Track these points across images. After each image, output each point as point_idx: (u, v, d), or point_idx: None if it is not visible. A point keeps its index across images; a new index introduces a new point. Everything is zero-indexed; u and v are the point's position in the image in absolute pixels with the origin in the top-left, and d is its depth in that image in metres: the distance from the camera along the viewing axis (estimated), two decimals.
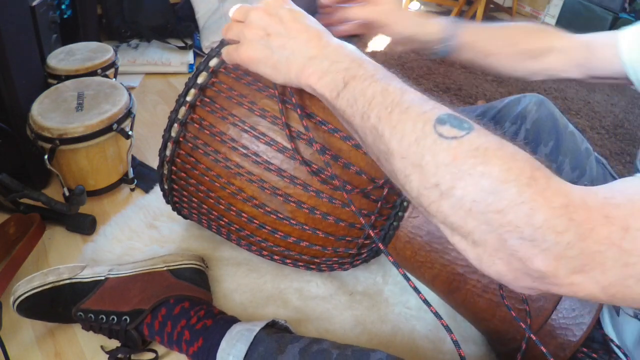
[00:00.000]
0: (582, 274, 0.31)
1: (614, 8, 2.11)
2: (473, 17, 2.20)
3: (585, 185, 0.76)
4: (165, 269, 0.74)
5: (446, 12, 2.45)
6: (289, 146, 0.60)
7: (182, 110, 0.64)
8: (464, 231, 0.34)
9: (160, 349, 0.71)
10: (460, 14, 2.35)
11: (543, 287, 0.33)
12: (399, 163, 0.38)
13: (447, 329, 0.39)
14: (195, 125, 0.64)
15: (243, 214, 0.65)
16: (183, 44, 1.59)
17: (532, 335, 0.55)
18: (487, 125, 0.37)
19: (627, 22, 2.03)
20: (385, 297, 0.83)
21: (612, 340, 0.60)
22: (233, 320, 0.68)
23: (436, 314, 0.40)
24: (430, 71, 1.74)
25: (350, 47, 0.48)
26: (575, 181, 0.77)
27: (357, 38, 0.75)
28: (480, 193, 0.32)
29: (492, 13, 2.57)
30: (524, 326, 0.57)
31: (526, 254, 0.31)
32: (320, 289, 0.83)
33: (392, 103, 0.39)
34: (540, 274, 0.32)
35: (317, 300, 0.82)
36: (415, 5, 2.55)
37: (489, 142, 0.34)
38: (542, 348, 0.54)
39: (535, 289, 0.33)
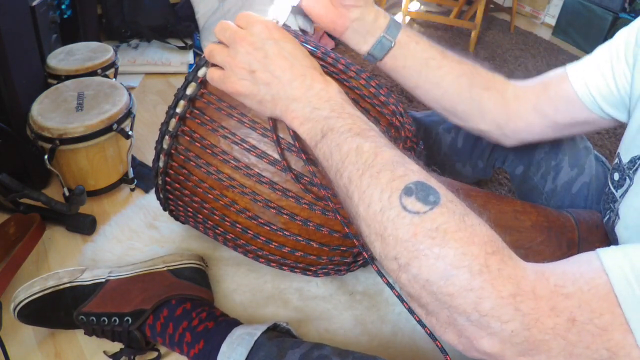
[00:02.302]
0: (528, 357, 0.32)
1: (614, 8, 2.11)
2: (473, 17, 2.20)
3: (585, 183, 0.77)
4: (165, 269, 0.74)
5: (446, 13, 2.45)
6: (280, 159, 0.60)
7: (173, 122, 0.64)
8: (418, 302, 0.36)
9: (163, 350, 0.71)
10: (460, 14, 2.35)
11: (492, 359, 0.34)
12: (364, 228, 0.39)
13: (432, 336, 0.39)
14: (186, 137, 0.64)
15: (237, 225, 0.65)
16: (183, 44, 1.59)
17: None
18: (455, 192, 0.38)
19: (627, 22, 2.04)
20: (385, 297, 0.83)
21: None
22: (235, 323, 0.67)
23: (420, 322, 0.40)
24: None
25: (333, 91, 0.48)
26: (574, 179, 0.77)
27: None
28: (434, 275, 0.33)
29: (492, 13, 2.57)
30: None
31: (473, 334, 0.33)
32: (321, 289, 0.83)
33: (364, 164, 0.40)
34: (486, 353, 0.33)
35: (317, 300, 0.82)
36: (415, 6, 2.55)
37: (449, 222, 0.35)
38: None
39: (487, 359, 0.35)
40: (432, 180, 0.38)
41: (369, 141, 0.42)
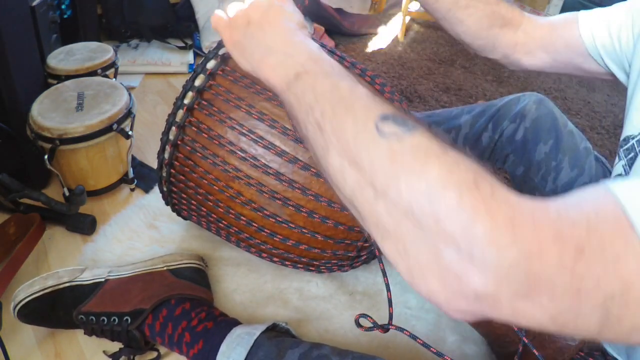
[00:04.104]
0: (527, 299, 0.27)
1: None
2: None
3: (585, 184, 0.78)
4: (165, 268, 0.74)
5: None
6: (287, 150, 0.60)
7: (180, 113, 0.64)
8: (396, 237, 0.31)
9: (163, 350, 0.71)
10: None
11: (480, 311, 0.28)
12: (335, 159, 0.36)
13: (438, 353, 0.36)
14: (193, 128, 0.64)
15: (242, 217, 0.65)
16: (183, 44, 1.59)
17: (524, 338, 0.56)
18: (438, 132, 0.34)
19: None
20: (385, 297, 0.83)
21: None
22: (234, 323, 0.67)
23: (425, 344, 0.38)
24: (430, 71, 1.74)
25: (314, 45, 0.46)
26: (574, 180, 0.77)
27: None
28: (417, 195, 0.29)
29: None
30: (515, 328, 0.57)
31: (462, 270, 0.27)
32: (321, 289, 0.83)
33: (339, 99, 0.37)
34: (477, 295, 0.27)
35: (317, 300, 0.82)
36: (415, 6, 2.55)
37: (432, 145, 0.31)
38: (535, 351, 0.54)
39: (471, 314, 0.29)
40: (408, 116, 0.36)
41: (346, 80, 0.39)
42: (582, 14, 0.67)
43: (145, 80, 1.46)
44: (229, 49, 0.53)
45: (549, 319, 0.27)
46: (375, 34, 2.00)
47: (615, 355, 0.58)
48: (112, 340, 0.69)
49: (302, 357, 0.58)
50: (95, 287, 0.70)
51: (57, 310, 0.68)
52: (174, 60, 1.53)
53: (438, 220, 0.28)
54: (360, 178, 0.33)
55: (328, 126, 0.37)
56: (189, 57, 1.56)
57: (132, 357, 0.69)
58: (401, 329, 0.49)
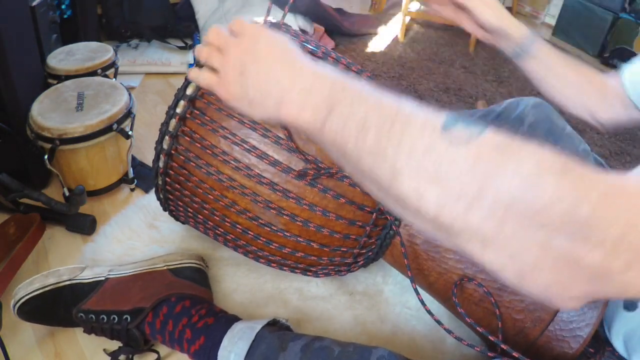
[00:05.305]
0: (634, 268, 0.28)
1: (614, 8, 2.11)
2: None
3: None
4: (165, 268, 0.74)
5: None
6: (280, 159, 0.60)
7: (173, 122, 0.64)
8: (499, 242, 0.30)
9: (163, 351, 0.71)
10: None
11: (595, 288, 0.29)
12: (408, 183, 0.33)
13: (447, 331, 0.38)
14: (186, 138, 0.64)
15: (238, 226, 0.65)
16: (183, 44, 1.59)
17: (495, 339, 0.56)
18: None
19: (627, 22, 2.03)
20: (385, 297, 0.83)
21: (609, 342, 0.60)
22: (235, 319, 0.68)
23: (437, 321, 0.39)
24: (430, 71, 1.74)
25: (328, 69, 0.42)
26: None
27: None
28: (514, 191, 0.29)
29: None
30: (493, 338, 0.57)
31: (575, 252, 0.28)
32: (320, 289, 0.83)
33: (390, 116, 0.35)
34: (593, 274, 0.28)
35: (317, 300, 0.82)
36: (415, 6, 2.55)
37: (506, 139, 0.31)
38: (515, 354, 0.54)
39: (584, 297, 0.30)
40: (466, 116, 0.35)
41: (385, 95, 0.37)
42: (627, 65, 0.71)
43: (145, 80, 1.46)
44: (231, 104, 0.47)
45: None
46: (375, 34, 2.00)
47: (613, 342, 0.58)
48: (112, 338, 0.69)
49: (304, 348, 0.58)
50: (95, 285, 0.70)
51: (57, 308, 0.68)
52: (174, 60, 1.53)
53: (544, 210, 0.28)
54: (445, 193, 0.31)
55: (390, 150, 0.34)
56: (189, 57, 1.56)
57: (130, 357, 0.69)
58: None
